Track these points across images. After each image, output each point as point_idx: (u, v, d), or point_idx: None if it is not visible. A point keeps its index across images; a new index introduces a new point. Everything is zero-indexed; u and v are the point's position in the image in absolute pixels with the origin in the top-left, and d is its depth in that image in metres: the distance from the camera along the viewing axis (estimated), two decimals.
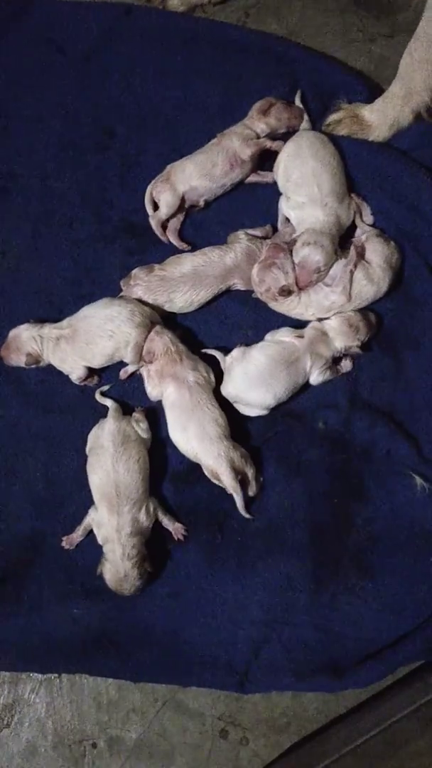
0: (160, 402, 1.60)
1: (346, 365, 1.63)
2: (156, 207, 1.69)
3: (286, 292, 1.59)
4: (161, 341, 1.56)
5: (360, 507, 1.62)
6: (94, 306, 1.61)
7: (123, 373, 1.63)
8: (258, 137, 1.67)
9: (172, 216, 1.69)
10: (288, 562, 1.59)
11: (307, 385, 1.62)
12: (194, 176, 1.66)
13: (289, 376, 1.56)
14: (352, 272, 1.59)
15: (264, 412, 1.60)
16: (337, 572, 1.58)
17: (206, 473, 1.54)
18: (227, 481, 1.51)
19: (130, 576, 1.50)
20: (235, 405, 1.61)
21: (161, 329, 1.58)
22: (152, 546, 1.56)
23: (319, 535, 1.60)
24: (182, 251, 1.68)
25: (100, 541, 1.53)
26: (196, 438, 1.53)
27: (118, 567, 1.50)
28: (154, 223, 1.68)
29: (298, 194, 1.63)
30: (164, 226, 1.70)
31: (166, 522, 1.56)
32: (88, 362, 1.60)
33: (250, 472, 1.54)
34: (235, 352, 1.59)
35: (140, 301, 1.62)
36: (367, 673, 1.54)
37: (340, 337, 1.59)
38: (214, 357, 1.62)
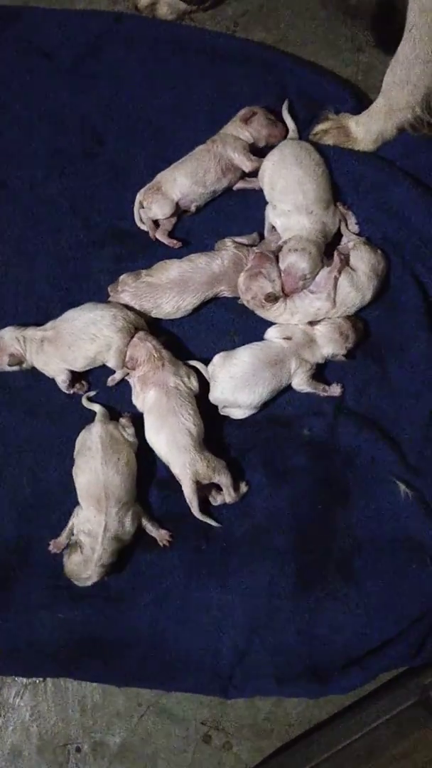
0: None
1: (334, 389, 1.64)
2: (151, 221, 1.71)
3: (272, 298, 1.60)
4: (144, 347, 1.58)
5: (344, 513, 1.63)
6: (78, 309, 1.63)
7: (111, 381, 1.64)
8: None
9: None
10: (272, 567, 1.60)
11: (293, 392, 1.64)
12: (186, 183, 1.67)
13: (273, 377, 1.58)
14: (336, 279, 1.60)
15: (253, 411, 1.62)
16: (320, 578, 1.59)
17: (176, 478, 1.56)
18: (186, 491, 1.53)
19: (92, 577, 1.52)
20: (224, 411, 1.62)
21: (144, 335, 1.59)
22: (137, 552, 1.57)
23: (303, 541, 1.61)
24: (170, 258, 1.68)
25: (81, 536, 1.52)
26: (167, 444, 1.55)
27: (88, 565, 1.51)
28: (147, 224, 1.69)
29: (283, 202, 1.64)
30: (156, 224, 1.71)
31: (150, 528, 1.57)
32: (70, 365, 1.61)
33: (223, 482, 1.55)
34: (217, 359, 1.61)
35: (127, 306, 1.64)
36: (349, 679, 1.55)
37: (330, 344, 1.60)
38: (202, 350, 1.65)
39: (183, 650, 1.58)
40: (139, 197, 1.69)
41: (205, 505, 1.57)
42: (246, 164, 1.68)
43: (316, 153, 1.68)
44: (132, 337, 1.60)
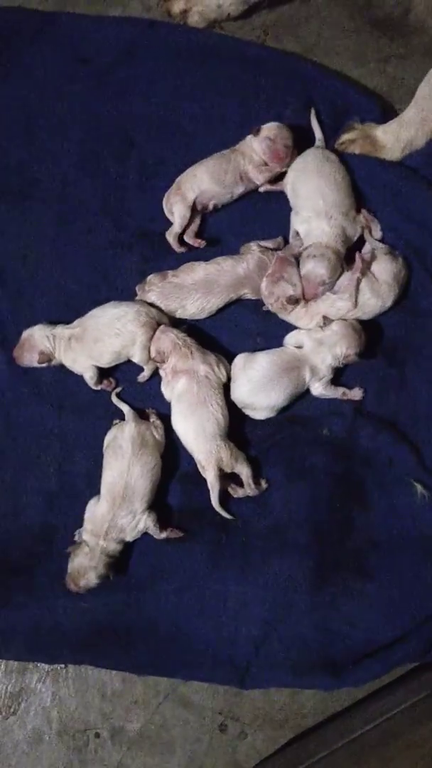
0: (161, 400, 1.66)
1: (355, 393, 1.68)
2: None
3: (293, 301, 1.65)
4: (168, 339, 1.63)
5: (361, 512, 1.67)
6: (103, 307, 1.68)
7: (141, 378, 1.69)
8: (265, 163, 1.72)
9: (189, 224, 1.74)
10: (290, 562, 1.65)
11: (311, 393, 1.69)
12: (204, 180, 1.72)
13: (290, 382, 1.63)
14: (359, 280, 1.64)
15: (272, 414, 1.66)
16: (337, 574, 1.64)
17: (197, 464, 1.61)
18: (209, 477, 1.58)
19: (92, 571, 1.56)
20: (244, 410, 1.67)
21: (165, 328, 1.64)
22: (159, 543, 1.62)
23: (320, 538, 1.66)
24: (197, 260, 1.72)
25: (84, 531, 1.59)
26: (194, 431, 1.60)
27: (93, 557, 1.56)
28: (170, 238, 1.73)
29: (305, 209, 1.69)
30: (180, 240, 1.75)
31: (157, 532, 1.60)
32: (97, 361, 1.66)
33: (244, 473, 1.60)
34: (238, 360, 1.66)
35: (152, 305, 1.68)
36: (363, 672, 1.59)
37: (343, 340, 1.62)
38: (226, 350, 1.70)
39: (201, 640, 1.63)
40: (164, 202, 1.74)
41: (224, 499, 1.61)
42: (258, 178, 1.73)
43: (339, 162, 1.72)
44: (155, 332, 1.65)
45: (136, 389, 1.71)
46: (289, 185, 1.73)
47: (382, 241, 1.73)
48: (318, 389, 1.67)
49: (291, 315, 1.69)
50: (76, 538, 1.63)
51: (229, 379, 1.66)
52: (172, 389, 1.65)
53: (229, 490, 1.64)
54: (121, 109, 1.85)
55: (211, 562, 1.65)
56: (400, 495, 1.67)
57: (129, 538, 1.59)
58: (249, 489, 1.63)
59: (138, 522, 1.58)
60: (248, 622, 1.64)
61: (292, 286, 1.65)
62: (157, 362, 1.64)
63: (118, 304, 1.68)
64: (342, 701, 1.68)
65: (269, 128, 1.71)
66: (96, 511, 1.59)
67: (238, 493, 1.64)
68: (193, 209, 1.73)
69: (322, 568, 1.64)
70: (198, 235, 1.77)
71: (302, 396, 1.68)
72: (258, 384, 1.62)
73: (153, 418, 1.65)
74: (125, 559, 1.64)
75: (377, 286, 1.67)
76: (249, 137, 1.73)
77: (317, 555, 1.65)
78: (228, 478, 1.62)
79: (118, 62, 1.86)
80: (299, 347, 1.66)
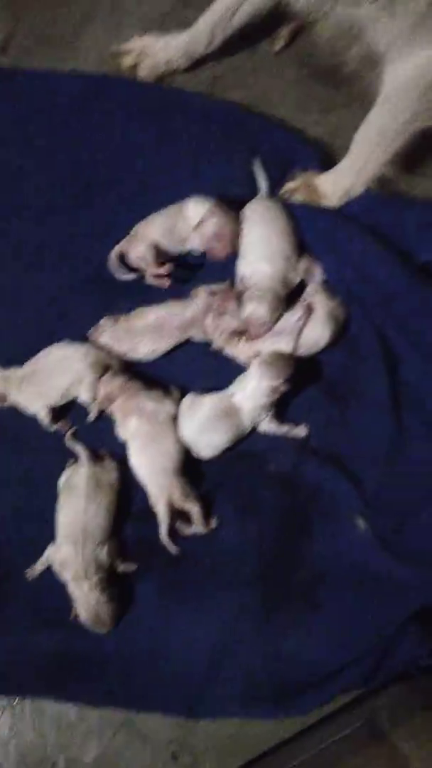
0: (124, 450, 1.72)
1: (299, 431, 1.76)
2: (128, 266, 1.82)
3: (237, 333, 1.73)
4: (114, 382, 1.70)
5: (307, 545, 1.73)
6: (53, 347, 1.76)
7: (89, 418, 1.76)
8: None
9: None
10: (240, 595, 1.71)
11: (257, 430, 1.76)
12: (159, 232, 1.79)
13: (231, 426, 1.70)
14: (301, 328, 1.73)
15: (216, 453, 1.73)
16: (284, 606, 1.70)
17: (152, 502, 1.67)
18: (160, 511, 1.65)
19: (101, 601, 1.62)
20: (190, 449, 1.73)
21: (115, 372, 1.72)
22: (112, 578, 1.67)
23: (268, 571, 1.72)
24: (148, 304, 1.80)
25: (66, 579, 1.64)
26: (148, 467, 1.67)
27: (89, 599, 1.62)
28: (150, 281, 1.81)
29: (249, 254, 1.77)
30: (158, 276, 1.81)
31: (120, 564, 1.68)
32: (47, 399, 1.73)
33: (194, 510, 1.67)
34: (185, 401, 1.73)
35: (103, 347, 1.76)
36: (309, 701, 1.65)
37: (266, 373, 1.68)
38: (170, 385, 1.77)
39: (154, 672, 1.68)
40: (118, 249, 1.81)
41: (173, 533, 1.67)
42: (195, 241, 1.80)
43: (283, 210, 1.81)
44: (104, 374, 1.72)
45: (91, 430, 1.77)
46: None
47: (322, 283, 1.82)
48: (264, 426, 1.74)
49: (235, 349, 1.77)
50: (27, 575, 1.67)
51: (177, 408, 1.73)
52: (126, 430, 1.72)
53: (178, 528, 1.70)
54: (76, 160, 1.93)
55: (164, 596, 1.71)
56: (344, 528, 1.74)
57: (106, 565, 1.65)
58: (199, 528, 1.69)
59: (106, 551, 1.64)
60: (197, 653, 1.69)
61: (235, 319, 1.73)
62: (103, 404, 1.71)
63: (68, 344, 1.76)
64: (292, 728, 1.72)
65: (202, 210, 1.79)
66: (63, 558, 1.63)
67: (186, 531, 1.71)
68: (157, 253, 1.80)
69: (268, 600, 1.70)
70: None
71: (249, 433, 1.76)
72: (200, 426, 1.69)
73: (106, 460, 1.72)
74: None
75: (314, 321, 1.75)
76: (191, 203, 1.81)
77: (264, 588, 1.71)
78: (178, 514, 1.69)
79: (72, 115, 1.94)
80: (232, 395, 1.73)
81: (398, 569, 1.70)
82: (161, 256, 1.80)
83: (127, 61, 1.96)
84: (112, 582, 1.66)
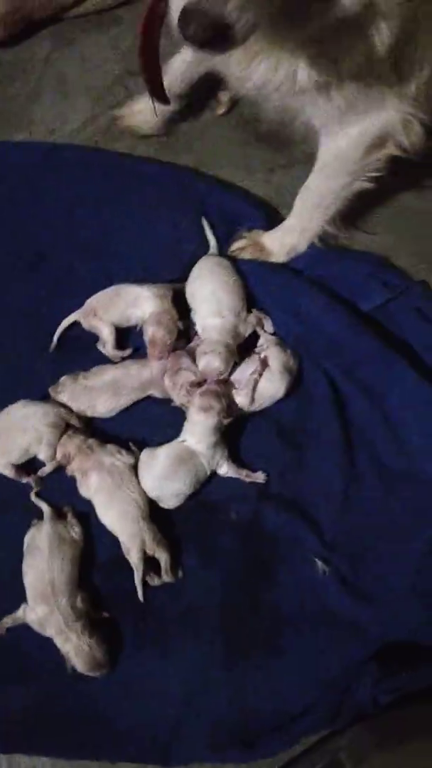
0: (89, 504, 1.77)
1: (258, 476, 1.82)
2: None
3: (196, 384, 1.79)
4: (72, 443, 1.76)
5: (269, 590, 1.79)
6: (14, 406, 1.81)
7: (41, 472, 1.81)
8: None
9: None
10: (205, 643, 1.75)
11: (219, 480, 1.82)
12: (115, 315, 1.87)
13: (188, 471, 1.76)
14: (256, 381, 1.81)
15: (180, 502, 1.79)
16: (248, 651, 1.74)
17: (126, 549, 1.72)
18: (133, 558, 1.70)
19: (93, 645, 1.65)
20: (155, 501, 1.79)
21: (73, 433, 1.78)
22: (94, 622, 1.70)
23: (232, 618, 1.77)
24: (107, 362, 1.88)
25: (50, 635, 1.66)
26: (117, 517, 1.73)
27: (81, 646, 1.65)
28: (106, 352, 1.88)
29: (201, 309, 1.86)
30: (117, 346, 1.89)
31: (92, 613, 1.71)
32: (8, 457, 1.78)
33: (163, 558, 1.72)
34: (143, 455, 1.79)
35: (64, 405, 1.82)
36: (275, 744, 1.68)
37: (203, 414, 1.74)
38: (139, 443, 1.83)
39: (125, 722, 1.71)
40: (76, 317, 1.89)
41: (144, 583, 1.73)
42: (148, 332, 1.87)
43: (231, 267, 1.90)
44: (63, 432, 1.78)
45: (59, 484, 1.82)
46: (187, 289, 1.90)
47: (273, 334, 1.90)
48: (223, 469, 1.80)
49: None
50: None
51: (136, 460, 1.79)
52: (87, 487, 1.77)
53: (148, 578, 1.74)
54: (30, 224, 2.00)
55: (131, 647, 1.75)
56: (304, 572, 1.80)
57: (85, 610, 1.68)
58: (166, 576, 1.74)
59: (80, 600, 1.68)
60: (169, 701, 1.73)
61: (192, 372, 1.80)
62: (62, 463, 1.77)
63: (28, 403, 1.81)
64: None
65: (147, 308, 1.86)
66: (39, 618, 1.66)
67: (155, 581, 1.75)
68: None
69: (233, 647, 1.75)
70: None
71: (209, 480, 1.81)
72: (160, 477, 1.75)
73: (69, 517, 1.77)
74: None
75: (270, 375, 1.83)
76: (142, 295, 1.88)
77: (229, 635, 1.75)
78: (149, 561, 1.73)
79: (25, 182, 2.02)
80: (189, 437, 1.79)
81: (357, 610, 1.76)
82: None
83: (123, 123, 2.07)
84: (95, 625, 1.69)
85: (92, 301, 1.89)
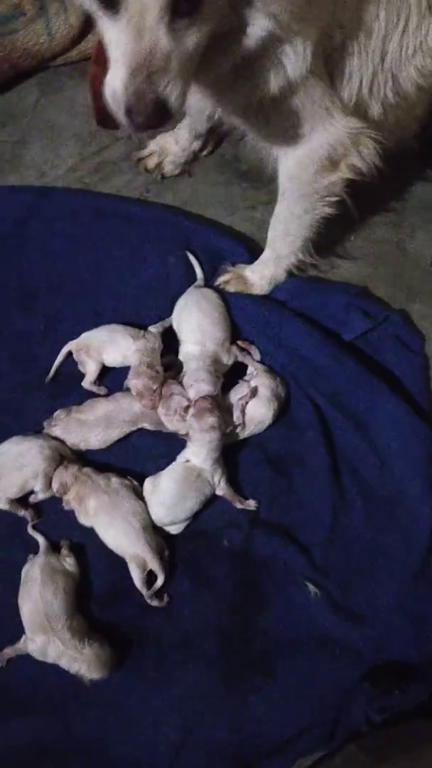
0: (86, 536, 1.83)
1: (249, 503, 1.87)
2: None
3: (188, 407, 1.84)
4: (68, 473, 1.81)
5: (262, 615, 1.82)
6: (7, 443, 1.86)
7: (32, 499, 1.85)
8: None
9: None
10: (200, 670, 1.78)
11: (212, 509, 1.87)
12: (111, 354, 1.94)
13: (197, 489, 1.81)
14: (243, 405, 1.87)
15: (187, 523, 1.85)
16: (243, 676, 1.78)
17: (132, 565, 1.76)
18: (155, 565, 1.75)
19: (98, 649, 1.69)
20: (166, 528, 1.84)
21: (68, 463, 1.83)
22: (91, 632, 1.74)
23: (226, 644, 1.80)
24: (98, 395, 1.94)
25: (55, 661, 1.70)
26: (123, 533, 1.77)
27: (88, 655, 1.68)
28: (87, 386, 1.95)
29: (188, 339, 1.93)
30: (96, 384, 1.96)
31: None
32: (6, 493, 1.82)
33: (159, 577, 1.77)
34: (147, 485, 1.84)
35: (56, 438, 1.88)
36: (274, 764, 1.72)
37: (207, 437, 1.80)
38: (132, 473, 1.88)
39: (123, 752, 1.73)
40: (71, 347, 1.95)
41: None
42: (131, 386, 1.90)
43: (217, 298, 1.98)
44: (58, 464, 1.83)
45: (56, 519, 1.86)
46: (174, 321, 1.97)
47: (261, 363, 1.96)
48: (221, 489, 1.85)
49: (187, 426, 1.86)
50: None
51: (132, 485, 1.84)
52: (86, 514, 1.81)
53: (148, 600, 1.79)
54: (23, 265, 2.07)
55: (129, 675, 1.78)
56: (296, 596, 1.84)
57: (82, 630, 1.71)
58: (154, 600, 1.78)
59: (76, 622, 1.71)
60: (167, 729, 1.75)
61: (183, 396, 1.86)
62: (59, 493, 1.82)
63: (22, 439, 1.86)
64: None
65: (135, 360, 1.90)
66: (40, 649, 1.69)
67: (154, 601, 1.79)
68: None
69: (229, 672, 1.78)
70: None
71: (204, 509, 1.86)
72: (170, 503, 1.80)
73: (64, 551, 1.81)
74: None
75: (258, 401, 1.89)
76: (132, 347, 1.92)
77: (224, 660, 1.79)
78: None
79: (17, 224, 2.09)
80: (192, 457, 1.84)
81: (349, 632, 1.81)
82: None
83: (151, 163, 2.14)
84: (93, 634, 1.73)
85: (88, 338, 1.95)
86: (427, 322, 2.09)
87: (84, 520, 1.82)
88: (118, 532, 1.77)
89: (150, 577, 1.78)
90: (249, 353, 1.97)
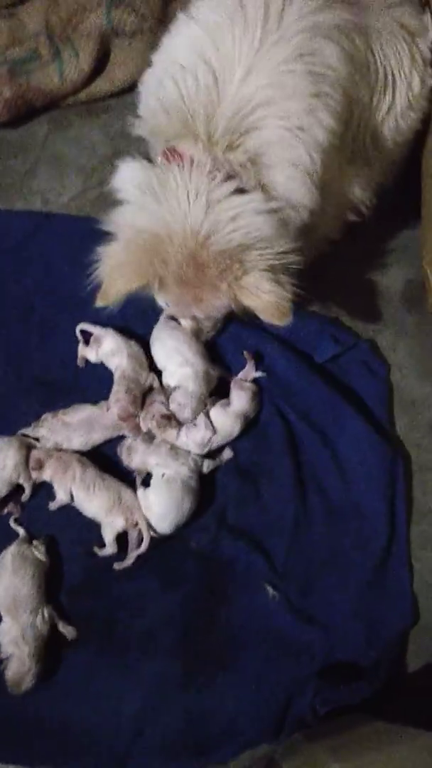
0: (61, 530, 1.97)
1: (227, 454, 2.03)
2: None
3: (167, 418, 1.98)
4: (41, 451, 1.97)
5: (224, 613, 1.95)
6: None
7: (24, 497, 1.98)
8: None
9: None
10: (163, 661, 1.91)
11: None
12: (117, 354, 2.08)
13: (188, 492, 1.93)
14: (207, 413, 2.01)
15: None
16: (201, 668, 1.90)
17: (112, 531, 1.91)
18: (143, 522, 1.89)
19: (32, 670, 1.80)
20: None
21: (41, 447, 1.98)
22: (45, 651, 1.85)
23: (188, 638, 1.93)
24: (85, 402, 2.06)
25: (5, 646, 1.82)
26: (106, 493, 1.92)
27: (23, 661, 1.79)
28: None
29: (169, 365, 2.05)
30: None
31: (61, 626, 1.88)
32: None
33: (143, 525, 1.92)
34: (141, 502, 1.94)
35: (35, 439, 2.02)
36: (226, 752, 1.84)
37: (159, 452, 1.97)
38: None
39: (86, 734, 1.85)
40: (94, 329, 2.11)
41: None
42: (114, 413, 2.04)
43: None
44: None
45: (35, 516, 1.99)
46: (152, 351, 2.09)
47: (254, 381, 2.08)
48: (208, 466, 2.00)
49: (166, 434, 2.00)
50: (2, 655, 1.83)
51: None
52: (65, 484, 1.93)
53: (115, 566, 1.92)
54: (23, 282, 2.22)
55: (95, 663, 1.90)
56: (257, 596, 1.96)
57: (44, 632, 1.83)
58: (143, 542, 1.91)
59: (41, 618, 1.83)
60: (127, 714, 1.87)
61: (164, 405, 2.00)
62: (34, 469, 1.94)
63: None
64: None
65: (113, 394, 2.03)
66: (3, 628, 1.82)
67: (131, 555, 1.92)
68: None
69: (189, 663, 1.90)
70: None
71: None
72: (170, 516, 1.92)
73: (35, 541, 1.93)
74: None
75: (227, 413, 2.01)
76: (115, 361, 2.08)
77: (185, 652, 1.91)
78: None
79: (20, 246, 2.25)
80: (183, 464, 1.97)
81: (304, 632, 1.94)
82: None
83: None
84: (45, 655, 1.84)
85: (106, 335, 2.10)
86: (393, 353, 2.23)
87: (63, 495, 1.94)
88: (105, 495, 1.92)
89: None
90: (225, 372, 2.11)
